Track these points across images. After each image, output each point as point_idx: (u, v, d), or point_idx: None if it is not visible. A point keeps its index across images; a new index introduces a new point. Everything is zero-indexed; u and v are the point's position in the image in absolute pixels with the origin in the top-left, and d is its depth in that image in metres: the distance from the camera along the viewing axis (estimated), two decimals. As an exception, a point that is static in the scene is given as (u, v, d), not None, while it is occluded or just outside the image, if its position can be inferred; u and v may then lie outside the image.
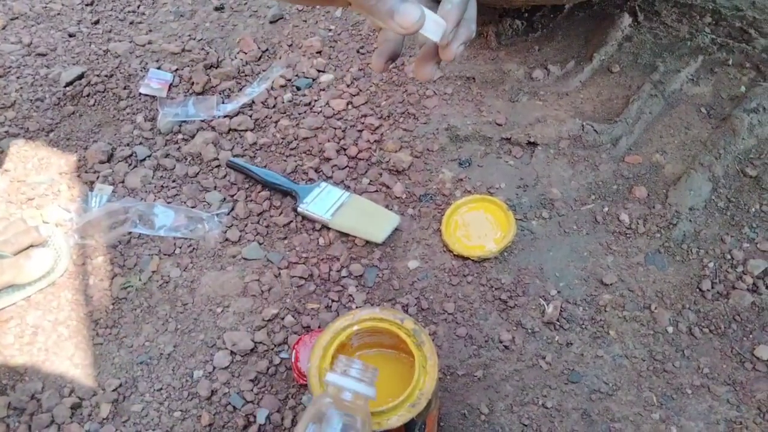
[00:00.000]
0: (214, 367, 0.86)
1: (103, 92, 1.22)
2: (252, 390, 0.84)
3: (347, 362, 0.58)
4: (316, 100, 1.18)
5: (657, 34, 1.25)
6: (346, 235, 0.99)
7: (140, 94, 1.21)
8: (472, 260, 0.94)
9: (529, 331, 0.87)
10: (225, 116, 1.16)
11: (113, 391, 0.84)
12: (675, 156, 1.06)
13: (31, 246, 0.94)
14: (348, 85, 1.20)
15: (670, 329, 0.86)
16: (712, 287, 0.90)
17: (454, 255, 0.95)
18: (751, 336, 0.85)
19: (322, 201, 1.00)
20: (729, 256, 0.93)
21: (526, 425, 0.79)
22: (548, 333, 0.87)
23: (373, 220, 0.98)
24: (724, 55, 1.20)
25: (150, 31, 1.37)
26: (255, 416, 0.81)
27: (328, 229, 0.99)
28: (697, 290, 0.90)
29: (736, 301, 0.88)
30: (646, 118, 1.10)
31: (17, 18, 1.40)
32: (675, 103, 1.13)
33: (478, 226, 0.98)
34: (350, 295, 0.92)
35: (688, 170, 1.01)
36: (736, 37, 1.23)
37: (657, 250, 0.94)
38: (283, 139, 1.13)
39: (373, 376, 0.58)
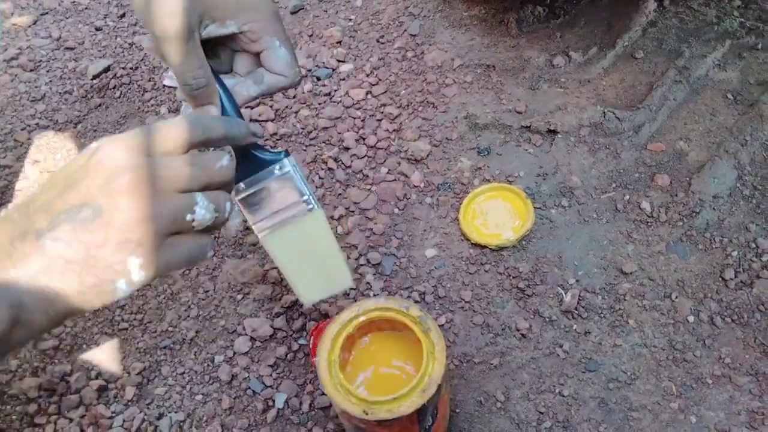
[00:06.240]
0: (235, 353, 0.88)
1: (129, 84, 1.25)
2: (271, 375, 0.85)
3: None
4: (335, 90, 1.19)
5: (683, 19, 1.22)
6: (365, 222, 0.99)
7: (164, 86, 1.24)
8: (490, 249, 0.94)
9: (547, 319, 0.87)
10: (246, 107, 1.18)
11: (137, 374, 0.87)
12: (699, 143, 1.03)
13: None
14: (367, 75, 1.20)
15: (691, 318, 0.85)
16: (736, 276, 0.88)
17: (472, 243, 0.95)
18: (775, 326, 0.84)
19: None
20: (754, 245, 0.91)
21: (542, 413, 0.79)
22: (566, 321, 0.87)
23: (317, 269, 0.70)
24: (753, 39, 1.16)
25: (174, 23, 1.39)
26: (274, 400, 0.83)
27: (347, 217, 1.00)
28: (720, 279, 0.88)
29: (761, 291, 0.86)
30: (669, 104, 1.08)
31: (47, 13, 1.43)
32: (700, 89, 1.11)
33: (496, 215, 0.97)
34: (368, 283, 0.93)
35: (713, 157, 0.99)
36: (767, 20, 1.19)
37: (679, 239, 0.93)
38: (303, 129, 1.14)
39: None
